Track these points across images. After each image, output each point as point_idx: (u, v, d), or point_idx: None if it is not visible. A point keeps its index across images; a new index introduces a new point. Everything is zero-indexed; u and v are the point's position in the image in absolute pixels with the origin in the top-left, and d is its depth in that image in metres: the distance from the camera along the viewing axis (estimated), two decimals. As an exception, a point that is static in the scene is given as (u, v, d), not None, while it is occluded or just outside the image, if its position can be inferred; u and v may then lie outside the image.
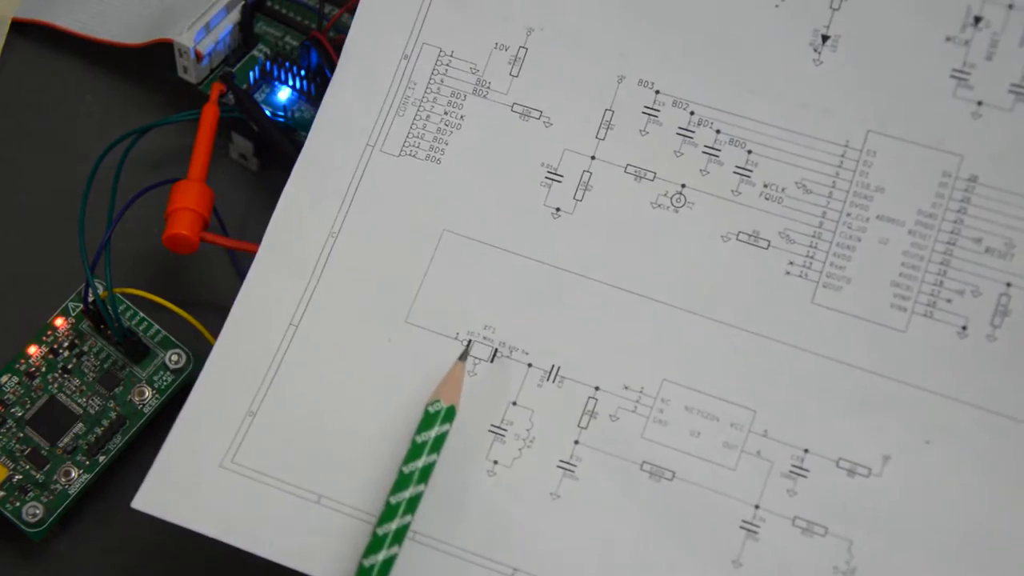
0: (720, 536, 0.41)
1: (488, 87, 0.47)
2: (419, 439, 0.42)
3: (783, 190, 0.44)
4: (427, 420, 0.42)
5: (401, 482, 0.41)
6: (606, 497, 0.42)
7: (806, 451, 0.42)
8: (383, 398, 0.44)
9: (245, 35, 0.54)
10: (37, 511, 0.47)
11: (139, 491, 0.43)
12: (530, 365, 0.44)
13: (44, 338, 0.50)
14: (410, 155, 0.47)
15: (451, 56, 0.47)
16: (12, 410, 0.48)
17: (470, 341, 0.44)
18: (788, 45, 0.45)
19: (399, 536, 0.41)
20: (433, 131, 0.47)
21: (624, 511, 0.42)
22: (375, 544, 0.40)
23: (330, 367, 0.45)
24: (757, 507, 0.42)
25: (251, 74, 0.53)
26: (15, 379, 0.49)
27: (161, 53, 0.54)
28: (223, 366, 0.45)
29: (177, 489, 0.43)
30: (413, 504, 0.41)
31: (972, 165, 0.43)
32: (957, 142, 0.44)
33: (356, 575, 0.40)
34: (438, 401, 0.42)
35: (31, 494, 0.47)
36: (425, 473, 0.41)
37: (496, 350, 0.44)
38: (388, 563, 0.41)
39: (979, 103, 0.44)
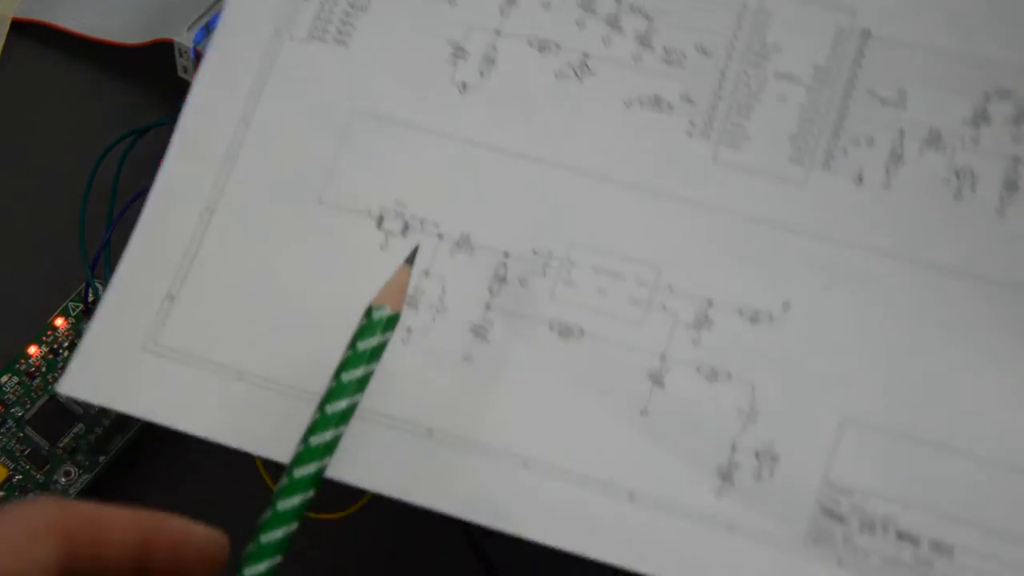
0: (628, 387, 0.42)
1: (392, -32, 0.47)
2: (361, 346, 0.39)
3: (683, 54, 0.45)
4: (370, 327, 0.39)
5: (338, 391, 0.39)
6: (518, 357, 0.43)
7: (710, 302, 0.43)
8: (302, 276, 0.45)
9: (245, 33, 0.54)
10: None
11: (63, 376, 0.44)
12: (441, 236, 0.45)
13: (44, 338, 0.50)
14: (318, 39, 0.47)
15: (355, -60, 0.48)
16: (12, 410, 0.49)
17: (417, 246, 0.43)
18: None
19: (331, 448, 0.39)
20: (340, 14, 0.47)
21: (536, 369, 0.43)
22: (304, 455, 0.39)
23: (248, 249, 0.45)
24: (663, 358, 0.43)
25: (250, 72, 0.53)
26: (15, 379, 0.49)
27: (161, 53, 0.54)
28: (141, 252, 0.45)
29: (101, 373, 0.44)
30: (348, 415, 0.39)
31: (864, 19, 0.44)
32: None
33: (298, 454, 0.39)
34: (383, 307, 0.39)
35: (31, 494, 0.47)
36: (363, 383, 0.39)
37: (407, 223, 0.45)
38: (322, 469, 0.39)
39: None
